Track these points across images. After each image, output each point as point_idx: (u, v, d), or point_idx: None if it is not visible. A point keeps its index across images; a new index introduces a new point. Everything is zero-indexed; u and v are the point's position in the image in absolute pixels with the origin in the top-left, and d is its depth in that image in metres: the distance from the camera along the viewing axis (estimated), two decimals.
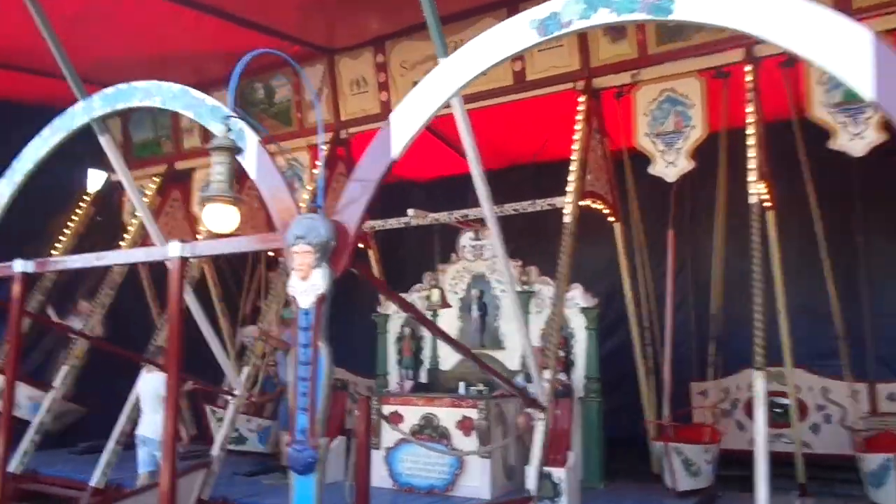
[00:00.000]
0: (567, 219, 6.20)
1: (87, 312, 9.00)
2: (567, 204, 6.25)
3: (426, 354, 8.32)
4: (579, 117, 6.70)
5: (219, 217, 2.89)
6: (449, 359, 8.15)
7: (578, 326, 7.26)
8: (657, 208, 8.05)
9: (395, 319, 8.52)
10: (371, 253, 9.10)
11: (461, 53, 2.98)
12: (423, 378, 8.27)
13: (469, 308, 8.04)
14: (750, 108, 5.95)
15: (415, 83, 8.09)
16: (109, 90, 4.21)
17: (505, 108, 7.64)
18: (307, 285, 3.13)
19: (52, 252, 9.20)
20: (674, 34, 6.49)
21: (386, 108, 8.11)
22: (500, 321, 7.97)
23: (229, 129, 3.18)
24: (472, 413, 6.59)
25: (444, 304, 7.50)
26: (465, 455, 6.34)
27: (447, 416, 6.72)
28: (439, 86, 3.07)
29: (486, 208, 4.68)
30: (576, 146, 6.53)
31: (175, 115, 9.78)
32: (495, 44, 2.86)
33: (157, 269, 10.76)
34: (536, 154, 8.12)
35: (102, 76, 5.52)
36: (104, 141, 5.87)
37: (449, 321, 8.09)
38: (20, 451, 7.55)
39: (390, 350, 8.47)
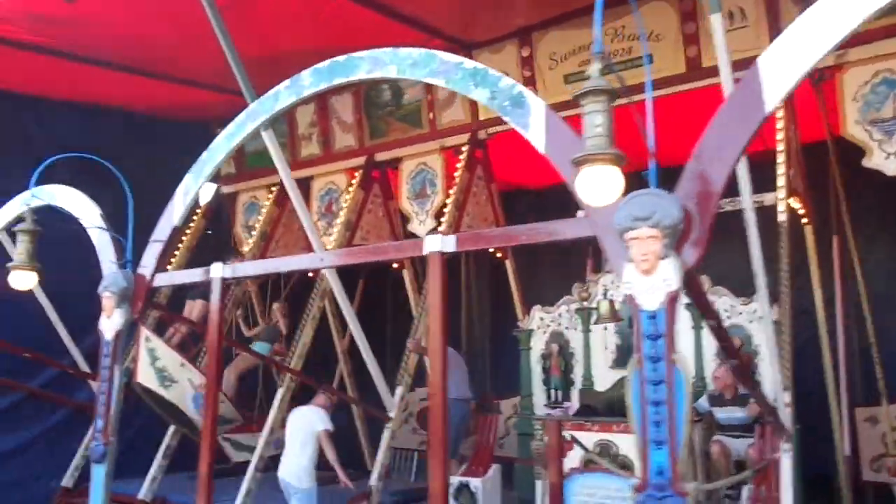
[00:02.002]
0: (781, 217, 5.42)
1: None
2: (780, 201, 5.46)
3: (577, 373, 7.55)
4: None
5: (598, 183, 2.20)
6: (604, 378, 7.36)
7: (764, 342, 6.41)
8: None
9: (538, 335, 7.78)
10: (508, 264, 8.38)
11: None
12: (574, 399, 7.51)
13: (630, 321, 7.25)
14: None
15: (566, 77, 7.50)
16: (323, 64, 3.63)
17: (663, 101, 6.89)
18: (653, 281, 2.43)
19: (167, 268, 8.76)
20: (890, 7, 5.67)
21: None
22: None
23: (602, 72, 2.55)
24: None
25: (615, 316, 6.74)
26: None
27: (628, 443, 5.94)
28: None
29: (747, 202, 3.95)
30: (780, 136, 5.73)
31: (292, 123, 9.32)
32: None
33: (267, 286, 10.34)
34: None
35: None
36: (266, 136, 5.38)
37: (601, 336, 7.35)
38: (149, 478, 7.05)
39: (535, 369, 7.74)
